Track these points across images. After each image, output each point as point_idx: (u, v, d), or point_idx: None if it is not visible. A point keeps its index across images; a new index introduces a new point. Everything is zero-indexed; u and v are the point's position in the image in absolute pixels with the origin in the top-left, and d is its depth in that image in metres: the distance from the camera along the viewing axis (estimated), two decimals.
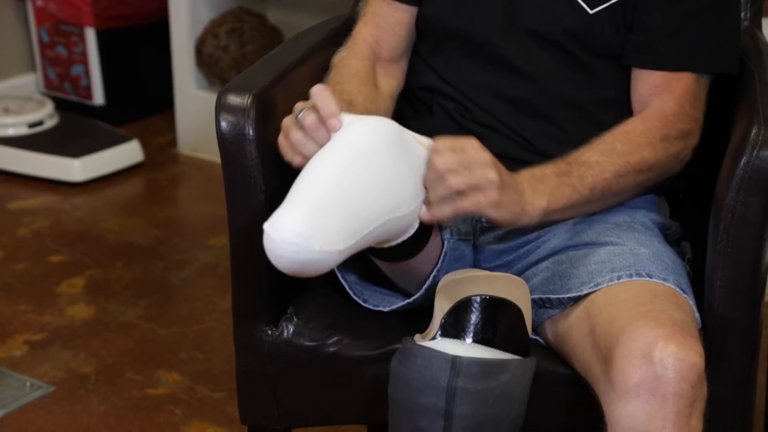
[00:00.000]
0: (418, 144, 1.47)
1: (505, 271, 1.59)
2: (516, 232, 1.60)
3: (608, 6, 1.60)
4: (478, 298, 1.42)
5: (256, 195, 1.59)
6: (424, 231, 1.50)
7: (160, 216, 3.00)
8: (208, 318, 2.54)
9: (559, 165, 1.53)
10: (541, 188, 1.50)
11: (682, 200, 1.76)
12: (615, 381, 1.37)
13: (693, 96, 1.60)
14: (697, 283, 1.56)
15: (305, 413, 1.67)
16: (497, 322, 1.42)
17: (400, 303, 1.60)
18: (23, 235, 2.90)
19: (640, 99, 1.62)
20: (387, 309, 1.60)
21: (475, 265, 1.63)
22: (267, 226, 1.37)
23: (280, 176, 1.58)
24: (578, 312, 1.49)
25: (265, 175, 1.58)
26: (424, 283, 1.56)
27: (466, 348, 1.41)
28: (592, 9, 1.60)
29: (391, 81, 1.74)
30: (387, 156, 1.42)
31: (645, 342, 1.36)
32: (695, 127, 1.61)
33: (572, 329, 1.50)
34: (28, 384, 2.32)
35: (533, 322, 1.55)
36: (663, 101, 1.59)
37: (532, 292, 1.53)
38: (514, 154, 1.62)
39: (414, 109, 1.73)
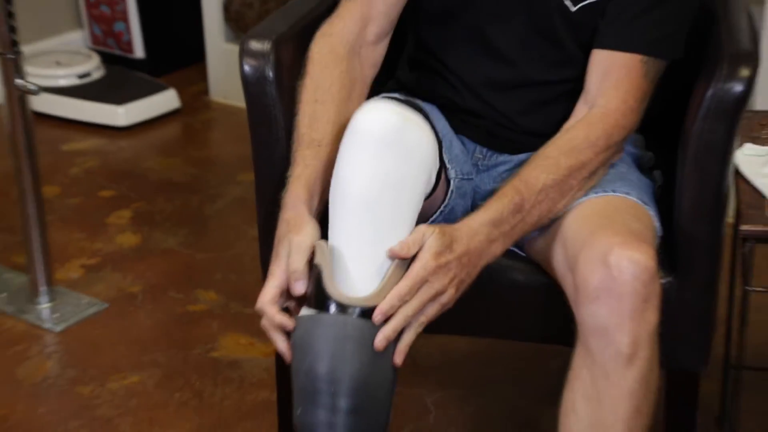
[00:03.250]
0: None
1: None
2: (509, 172, 1.59)
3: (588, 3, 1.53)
4: None
5: (277, 131, 1.58)
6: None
7: (195, 156, 2.99)
8: (239, 244, 2.54)
9: (513, 198, 1.43)
10: (496, 234, 1.43)
11: (656, 133, 1.74)
12: (579, 286, 1.37)
13: (638, 90, 1.50)
14: (668, 209, 1.55)
15: None
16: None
17: None
18: (76, 173, 2.89)
19: (589, 82, 1.51)
20: None
21: (473, 199, 1.62)
22: None
23: None
24: (553, 229, 1.48)
25: (284, 113, 1.57)
26: (430, 218, 1.55)
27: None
28: (574, 6, 1.53)
29: (369, 70, 1.60)
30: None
31: (602, 249, 1.36)
32: (638, 118, 1.52)
33: (548, 245, 1.49)
34: (84, 302, 2.33)
35: (522, 241, 1.54)
36: (608, 100, 1.49)
37: None
38: (502, 134, 1.60)
39: (411, 70, 1.68)
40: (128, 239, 2.58)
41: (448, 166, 1.54)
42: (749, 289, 1.52)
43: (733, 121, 1.45)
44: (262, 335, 2.17)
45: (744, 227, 1.47)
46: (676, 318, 1.51)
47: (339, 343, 1.33)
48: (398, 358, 1.38)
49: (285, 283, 1.39)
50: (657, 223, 1.50)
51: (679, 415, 1.61)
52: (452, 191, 1.55)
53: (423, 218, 1.53)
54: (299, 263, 1.37)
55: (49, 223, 2.37)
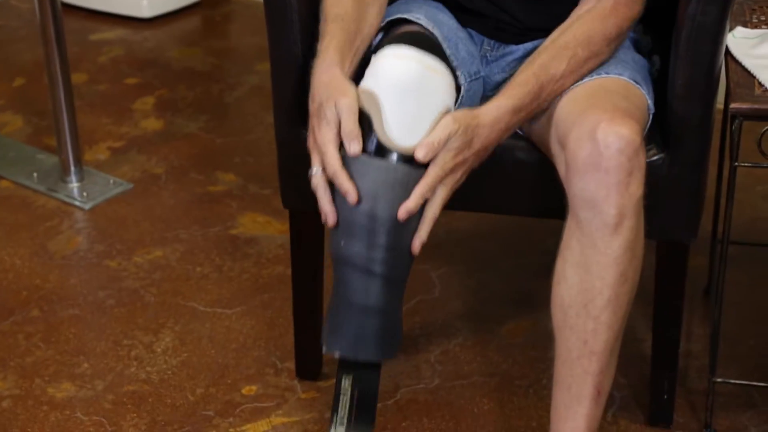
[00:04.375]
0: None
1: None
2: (517, 61, 1.58)
3: None
4: None
5: (292, 24, 1.57)
6: None
7: (215, 46, 2.97)
8: (256, 129, 2.54)
9: (533, 86, 1.44)
10: (515, 121, 1.45)
11: (654, 18, 1.73)
12: (569, 161, 1.37)
13: None
14: (663, 90, 1.54)
15: None
16: None
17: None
18: (103, 61, 2.88)
19: None
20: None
21: (483, 91, 1.62)
22: None
23: (311, 5, 1.56)
24: (549, 111, 1.48)
25: (298, 7, 1.56)
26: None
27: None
28: None
29: None
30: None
31: (590, 126, 1.36)
32: (643, 7, 1.51)
33: (544, 126, 1.49)
34: (111, 181, 2.35)
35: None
36: None
37: None
38: (509, 30, 1.59)
39: None
40: (152, 124, 2.58)
41: (457, 73, 1.53)
42: (737, 164, 1.52)
43: (725, 5, 1.44)
44: (278, 214, 2.22)
45: (733, 105, 1.47)
46: (667, 192, 1.52)
47: (383, 186, 1.38)
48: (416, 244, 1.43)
49: (338, 143, 1.40)
50: (649, 101, 1.49)
51: (669, 286, 1.63)
52: (462, 96, 1.55)
53: None
54: (353, 124, 1.38)
55: (77, 108, 2.37)
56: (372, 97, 1.39)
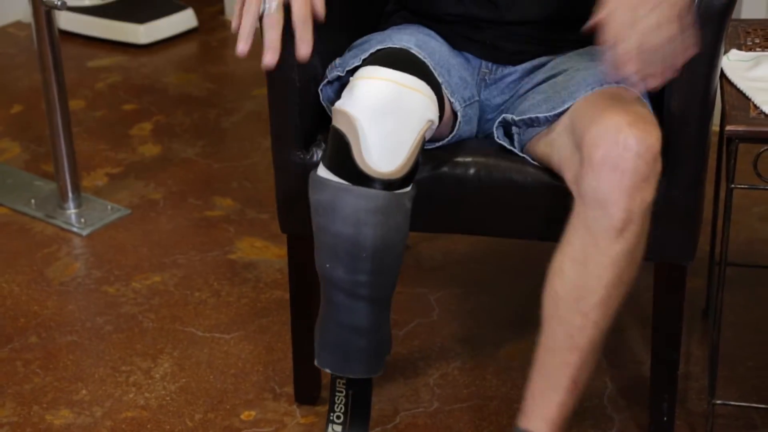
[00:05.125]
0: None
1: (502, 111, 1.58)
2: (516, 83, 1.58)
3: None
4: None
5: (289, 45, 1.56)
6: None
7: (211, 72, 2.97)
8: (254, 154, 2.53)
9: None
10: None
11: None
12: (584, 158, 1.35)
13: None
14: (659, 113, 1.54)
15: None
16: None
17: None
18: (100, 88, 2.88)
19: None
20: None
21: (480, 116, 1.61)
22: None
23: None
24: (562, 120, 1.46)
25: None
26: (437, 144, 1.56)
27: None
28: None
29: None
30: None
31: (612, 125, 1.34)
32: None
33: (556, 134, 1.47)
34: (109, 207, 2.34)
35: (521, 141, 1.54)
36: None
37: (522, 115, 1.52)
38: (504, 47, 1.59)
39: None
40: (150, 150, 2.57)
41: (451, 99, 1.52)
42: (733, 186, 1.51)
43: (720, 28, 1.44)
44: (276, 239, 2.21)
45: (729, 127, 1.46)
46: (664, 214, 1.51)
47: (366, 214, 1.39)
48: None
49: None
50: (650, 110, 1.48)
51: (667, 307, 1.62)
52: (459, 122, 1.54)
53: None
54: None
55: (75, 135, 2.37)
56: (349, 119, 1.39)
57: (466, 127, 1.57)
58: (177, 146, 2.58)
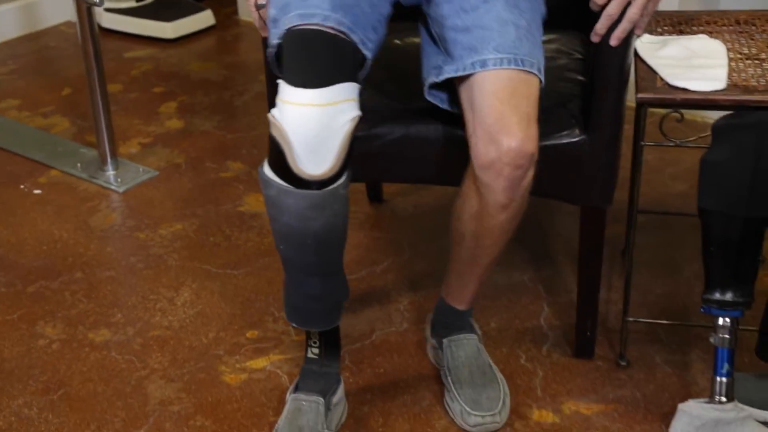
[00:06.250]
0: None
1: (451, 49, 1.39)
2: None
3: None
4: None
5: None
6: None
7: (226, 61, 2.97)
8: (260, 127, 2.53)
9: None
10: None
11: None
12: (474, 152, 1.36)
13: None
14: (590, 81, 1.53)
15: None
16: None
17: None
18: (135, 74, 2.88)
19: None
20: None
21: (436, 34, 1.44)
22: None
23: None
24: (469, 83, 1.35)
25: None
26: None
27: None
28: None
29: None
30: None
31: (500, 130, 1.32)
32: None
33: (464, 100, 1.38)
34: (141, 170, 2.34)
35: (439, 70, 1.39)
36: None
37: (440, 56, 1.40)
38: None
39: None
40: (174, 124, 2.58)
41: (365, 52, 1.33)
42: (643, 143, 1.53)
43: None
44: None
45: (640, 95, 1.48)
46: (587, 167, 1.52)
47: (307, 210, 1.32)
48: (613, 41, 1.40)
49: None
50: (541, 78, 1.37)
51: (590, 244, 1.63)
52: (368, 62, 1.35)
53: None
54: None
55: (113, 112, 2.37)
56: (281, 131, 1.30)
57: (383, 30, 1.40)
58: (197, 121, 2.58)
